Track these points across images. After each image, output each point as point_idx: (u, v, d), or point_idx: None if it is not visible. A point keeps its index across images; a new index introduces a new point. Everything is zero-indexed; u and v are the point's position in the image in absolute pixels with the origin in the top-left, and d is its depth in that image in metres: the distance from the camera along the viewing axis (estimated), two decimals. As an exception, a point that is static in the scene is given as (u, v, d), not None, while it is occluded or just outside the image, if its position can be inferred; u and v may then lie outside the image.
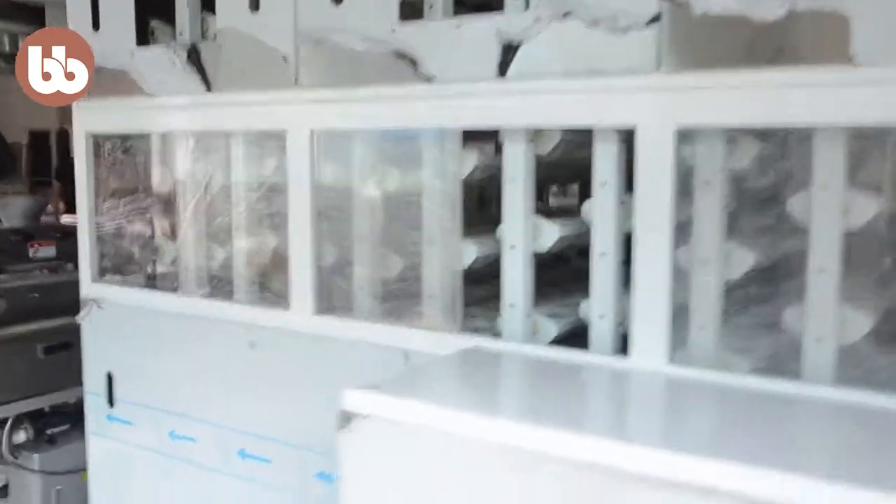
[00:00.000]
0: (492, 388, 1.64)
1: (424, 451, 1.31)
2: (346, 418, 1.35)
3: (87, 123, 2.45)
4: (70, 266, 3.07)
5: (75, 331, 3.09)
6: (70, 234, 3.14)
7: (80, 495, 2.98)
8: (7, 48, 3.45)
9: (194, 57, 2.13)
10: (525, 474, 1.19)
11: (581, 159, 1.67)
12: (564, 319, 1.78)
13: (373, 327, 1.93)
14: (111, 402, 2.50)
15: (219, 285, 2.28)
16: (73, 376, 3.09)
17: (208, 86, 2.12)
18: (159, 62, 2.21)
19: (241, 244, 2.21)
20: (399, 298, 1.94)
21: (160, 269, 2.43)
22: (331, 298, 2.03)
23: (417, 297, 1.91)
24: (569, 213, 1.93)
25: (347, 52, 1.87)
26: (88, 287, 2.52)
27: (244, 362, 2.15)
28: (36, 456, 2.91)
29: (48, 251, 3.03)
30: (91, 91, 2.40)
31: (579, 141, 1.67)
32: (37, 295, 2.89)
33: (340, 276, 2.04)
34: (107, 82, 2.36)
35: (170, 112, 2.22)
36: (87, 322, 2.53)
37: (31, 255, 2.96)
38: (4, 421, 2.88)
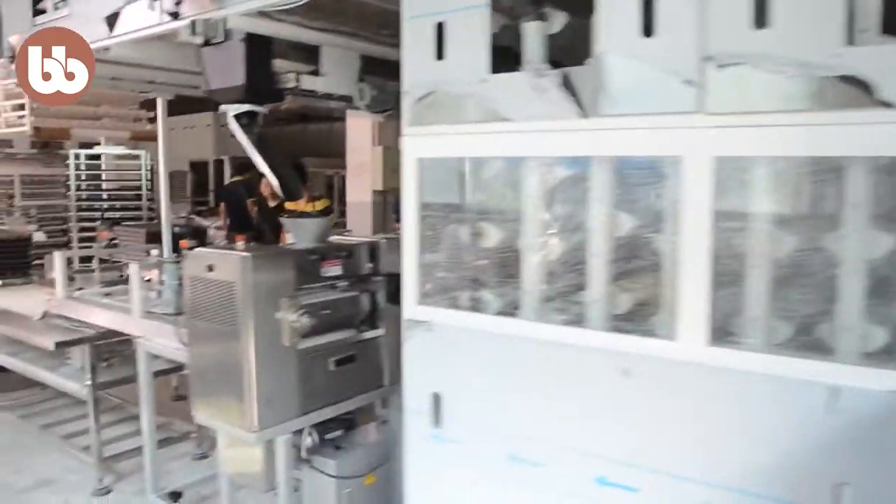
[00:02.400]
0: None
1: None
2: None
3: (417, 148, 2.49)
4: (346, 283, 3.16)
5: (359, 345, 3.21)
6: (352, 252, 3.25)
7: (364, 498, 3.08)
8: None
9: (567, 82, 2.13)
10: None
11: None
12: None
13: (788, 361, 1.86)
14: (437, 421, 2.53)
15: (570, 310, 2.27)
16: (356, 387, 3.22)
17: (583, 111, 2.10)
18: (520, 88, 2.21)
19: (602, 272, 2.19)
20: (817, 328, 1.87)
21: (495, 291, 2.44)
22: (723, 328, 1.98)
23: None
24: None
25: (768, 77, 1.81)
26: (413, 309, 2.56)
27: (614, 389, 2.13)
28: (332, 462, 3.00)
29: (336, 269, 3.12)
30: (419, 117, 2.45)
31: None
32: (328, 311, 2.98)
33: (734, 306, 1.99)
34: (445, 108, 2.40)
35: (531, 137, 2.22)
36: (412, 345, 2.58)
37: (322, 273, 3.06)
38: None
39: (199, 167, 12.48)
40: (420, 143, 2.48)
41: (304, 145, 16.36)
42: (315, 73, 3.50)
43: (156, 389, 3.95)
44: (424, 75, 2.42)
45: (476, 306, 2.48)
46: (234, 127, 3.29)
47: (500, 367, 2.38)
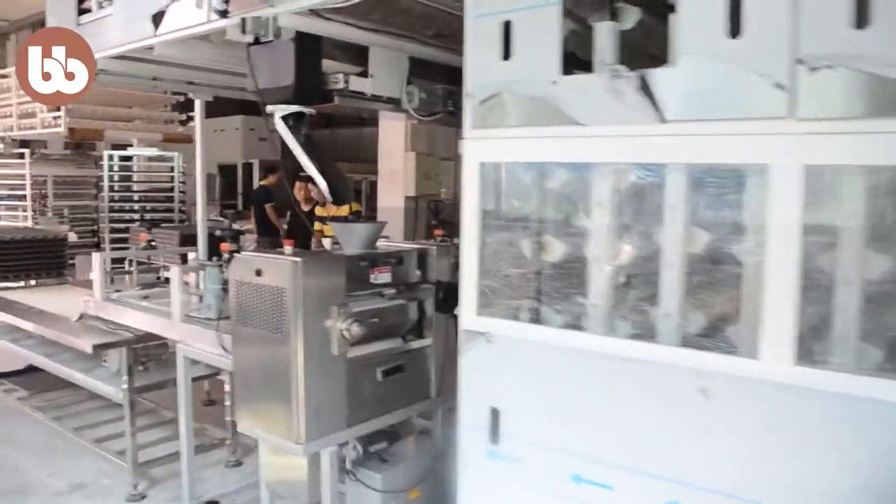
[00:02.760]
0: None
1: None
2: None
3: (479, 153, 2.40)
4: (394, 291, 3.08)
5: (406, 355, 3.12)
6: (402, 259, 3.16)
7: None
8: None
9: (644, 85, 2.02)
10: None
11: None
12: None
13: (879, 383, 1.74)
14: (495, 437, 2.43)
15: (641, 323, 2.16)
16: (403, 398, 3.12)
17: (661, 116, 2.00)
18: (593, 91, 2.11)
19: (677, 285, 2.07)
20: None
21: (559, 303, 2.33)
22: (809, 347, 1.86)
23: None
24: None
25: (865, 80, 1.70)
26: (472, 320, 2.46)
27: (691, 409, 2.01)
28: (378, 475, 2.91)
29: (385, 277, 3.04)
30: (483, 120, 2.36)
31: None
32: (377, 319, 2.89)
33: (821, 325, 1.87)
34: (511, 111, 2.30)
35: (604, 142, 2.12)
36: (469, 356, 2.48)
37: (371, 280, 2.97)
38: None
39: (227, 170, 12.51)
40: (483, 147, 2.39)
41: (332, 150, 16.38)
42: (363, 74, 3.42)
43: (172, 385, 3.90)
44: (489, 76, 2.33)
45: (539, 318, 2.38)
46: (282, 128, 3.22)
47: (564, 382, 2.27)
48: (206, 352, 3.32)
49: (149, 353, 3.95)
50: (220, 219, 9.39)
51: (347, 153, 15.98)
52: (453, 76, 3.97)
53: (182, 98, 7.93)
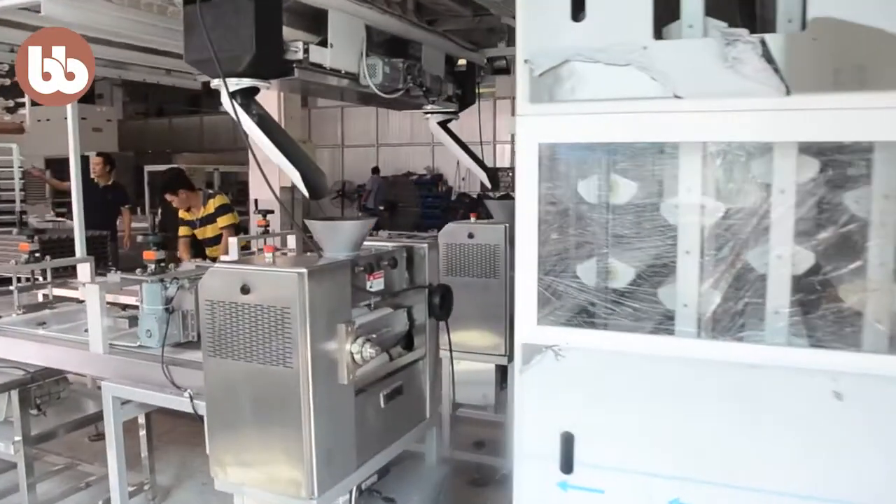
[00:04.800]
0: None
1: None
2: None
3: (539, 132, 2.01)
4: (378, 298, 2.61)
5: (403, 372, 2.66)
6: (396, 261, 2.69)
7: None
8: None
9: (766, 51, 1.75)
10: None
11: None
12: None
13: None
14: (568, 466, 2.07)
15: (752, 324, 1.90)
16: (403, 424, 2.66)
17: (787, 87, 1.73)
18: (701, 58, 1.80)
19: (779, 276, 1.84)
20: None
21: (646, 305, 2.02)
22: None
23: None
24: None
25: None
26: (532, 331, 2.07)
27: (821, 416, 1.78)
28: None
29: (379, 283, 2.53)
30: (544, 93, 1.99)
31: None
32: (376, 335, 2.41)
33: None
34: (583, 82, 1.94)
35: (712, 118, 1.82)
36: (531, 375, 2.09)
37: (368, 288, 2.47)
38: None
39: (56, 164, 10.89)
40: (544, 126, 1.99)
41: (172, 141, 14.98)
42: (323, 43, 2.88)
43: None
44: (554, 41, 1.94)
45: (620, 324, 2.05)
46: (233, 106, 2.62)
47: (656, 396, 1.96)
48: (146, 391, 2.63)
49: (45, 392, 3.13)
50: (59, 219, 8.11)
51: (189, 143, 14.72)
52: (405, 50, 3.55)
53: (7, 81, 6.61)
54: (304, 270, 2.08)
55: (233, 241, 4.41)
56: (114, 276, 2.80)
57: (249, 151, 2.85)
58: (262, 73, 2.63)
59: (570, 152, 2.08)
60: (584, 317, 2.09)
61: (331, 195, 13.76)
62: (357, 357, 2.25)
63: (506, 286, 3.69)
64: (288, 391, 2.12)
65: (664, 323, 2.01)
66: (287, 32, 2.74)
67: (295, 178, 2.59)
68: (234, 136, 15.37)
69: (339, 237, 2.49)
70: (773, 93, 1.74)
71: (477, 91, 4.30)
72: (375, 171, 15.03)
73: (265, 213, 4.67)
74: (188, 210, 5.75)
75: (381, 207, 10.75)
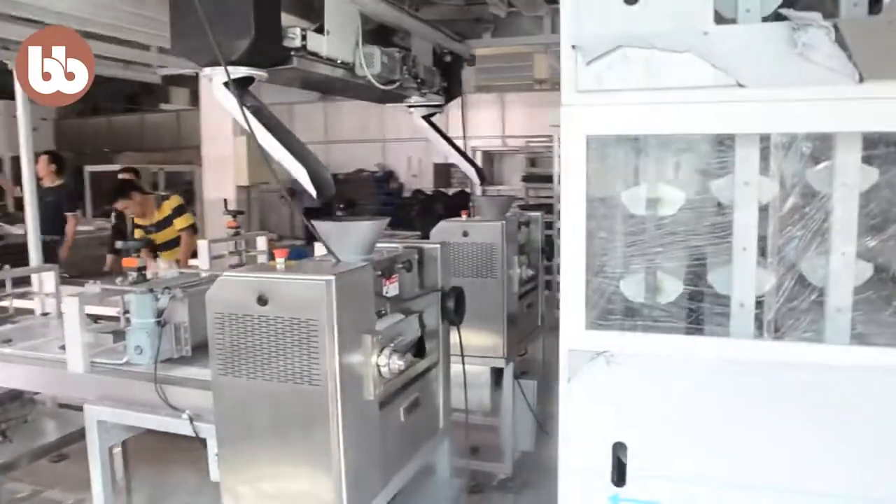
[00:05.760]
0: None
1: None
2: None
3: (587, 123, 1.87)
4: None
5: (419, 382, 2.49)
6: (411, 264, 2.51)
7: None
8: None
9: (840, 38, 1.65)
10: None
11: None
12: None
13: None
14: (620, 479, 1.95)
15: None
16: (420, 437, 2.49)
17: (860, 75, 1.64)
18: (767, 44, 1.69)
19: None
20: None
21: (711, 303, 1.91)
22: None
23: None
24: None
25: None
26: (581, 336, 1.93)
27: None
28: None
29: (394, 288, 2.35)
30: (593, 81, 1.86)
31: None
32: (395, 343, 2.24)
33: None
34: (638, 70, 1.81)
35: (780, 108, 1.71)
36: (580, 384, 1.96)
37: (384, 293, 2.29)
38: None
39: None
40: (593, 116, 1.86)
41: (112, 140, 14.25)
42: (319, 31, 2.67)
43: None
44: (605, 25, 1.80)
45: (680, 325, 1.94)
46: (225, 97, 2.40)
47: (719, 401, 1.85)
48: (136, 413, 2.38)
49: (9, 416, 2.82)
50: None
51: (130, 142, 14.04)
52: (391, 41, 3.36)
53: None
54: (332, 277, 1.89)
55: (203, 244, 4.11)
56: (92, 287, 2.53)
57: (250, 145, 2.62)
58: (259, 61, 2.42)
59: (619, 144, 1.96)
60: (637, 319, 1.96)
61: (279, 193, 13.33)
62: (384, 370, 2.07)
63: (503, 285, 3.56)
64: (314, 411, 1.92)
65: (724, 324, 1.90)
66: (284, 18, 2.53)
67: (301, 176, 2.38)
68: (178, 134, 14.79)
69: (352, 239, 2.30)
70: (846, 80, 1.64)
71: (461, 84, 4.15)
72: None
73: (235, 213, 4.39)
74: (143, 216, 5.40)
75: (341, 206, 10.47)
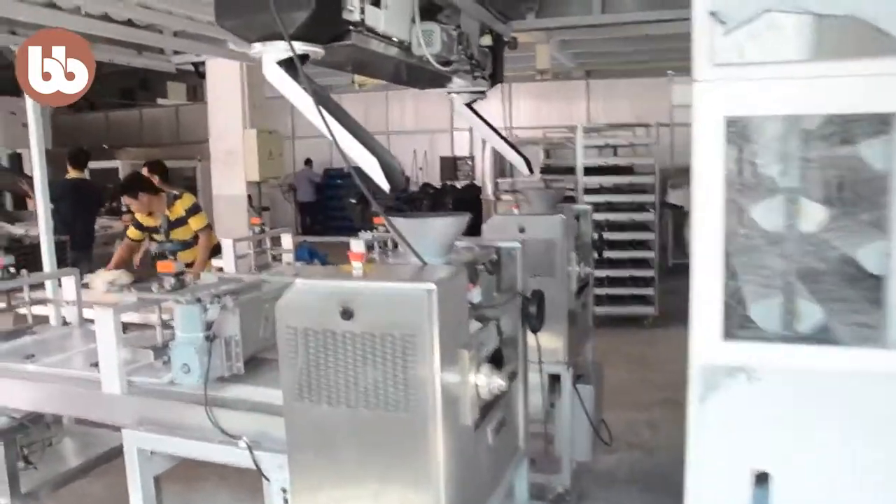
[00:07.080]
0: None
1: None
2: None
3: (725, 103, 1.59)
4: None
5: (502, 399, 2.19)
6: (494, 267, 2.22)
7: None
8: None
9: None
10: None
11: None
12: None
13: None
14: (766, 515, 1.67)
15: None
16: (505, 460, 2.20)
17: None
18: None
19: None
20: None
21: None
22: None
23: None
24: None
25: None
26: (717, 349, 1.66)
27: None
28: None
29: (477, 294, 2.07)
30: (732, 53, 1.58)
31: None
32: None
33: None
34: (790, 40, 1.53)
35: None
36: (715, 404, 1.68)
37: (469, 300, 2.00)
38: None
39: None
40: (732, 95, 1.58)
41: (110, 136, 13.83)
42: (376, 3, 2.37)
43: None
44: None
45: (831, 337, 1.66)
46: (279, 76, 2.10)
47: (882, 424, 1.59)
48: (183, 440, 2.08)
49: (33, 440, 2.52)
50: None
51: (129, 138, 13.65)
52: (439, 19, 3.05)
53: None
54: (433, 286, 1.59)
55: (227, 244, 3.81)
56: (129, 296, 2.23)
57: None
58: (317, 35, 2.11)
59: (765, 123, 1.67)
60: (791, 329, 1.69)
61: (282, 188, 13.00)
62: (483, 391, 1.79)
63: (564, 285, 3.28)
64: (409, 442, 1.64)
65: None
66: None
67: (372, 168, 2.06)
68: (177, 129, 14.40)
69: (433, 238, 2.01)
70: None
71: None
72: (308, 163, 14.27)
73: (261, 210, 4.08)
74: (149, 215, 5.07)
75: (354, 201, 10.15)
